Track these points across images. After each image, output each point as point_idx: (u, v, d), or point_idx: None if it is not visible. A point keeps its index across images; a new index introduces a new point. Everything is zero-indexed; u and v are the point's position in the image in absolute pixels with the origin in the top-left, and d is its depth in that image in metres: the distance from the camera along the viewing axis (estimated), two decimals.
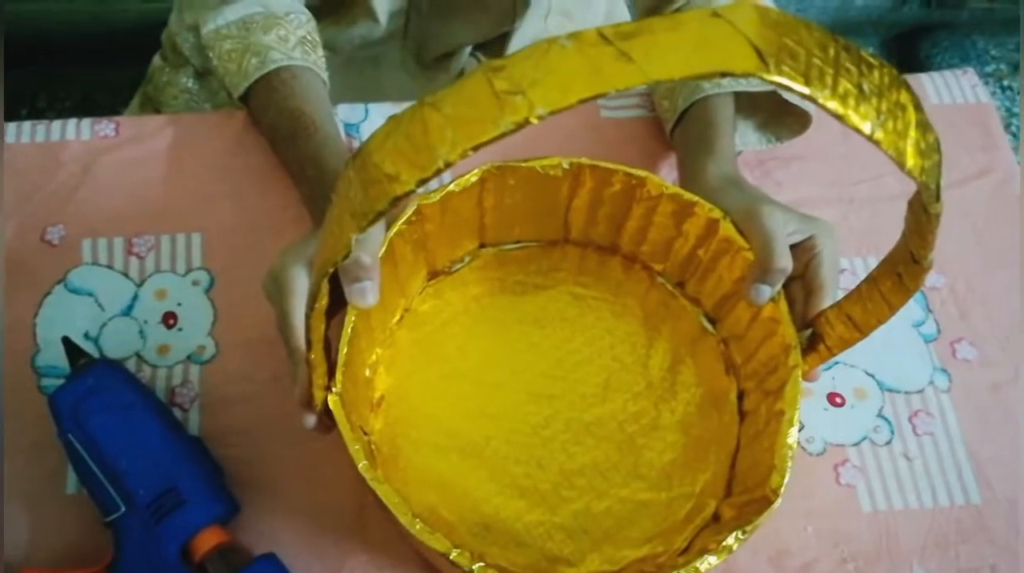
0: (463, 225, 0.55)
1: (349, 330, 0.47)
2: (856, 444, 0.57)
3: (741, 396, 0.56)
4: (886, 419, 0.58)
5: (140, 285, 0.58)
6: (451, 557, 0.41)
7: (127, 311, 0.57)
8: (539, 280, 0.59)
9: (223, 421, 0.55)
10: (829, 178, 0.65)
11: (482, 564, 0.41)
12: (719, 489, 0.53)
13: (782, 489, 0.45)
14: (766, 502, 0.45)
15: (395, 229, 0.49)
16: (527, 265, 0.59)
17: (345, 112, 0.65)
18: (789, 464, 0.46)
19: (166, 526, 0.48)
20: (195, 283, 0.58)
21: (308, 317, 0.39)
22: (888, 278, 0.43)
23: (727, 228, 0.51)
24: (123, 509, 0.48)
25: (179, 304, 0.58)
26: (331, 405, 0.45)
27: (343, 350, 0.46)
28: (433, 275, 0.58)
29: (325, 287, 0.39)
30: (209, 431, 0.54)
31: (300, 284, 0.46)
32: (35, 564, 0.50)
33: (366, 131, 0.64)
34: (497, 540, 0.51)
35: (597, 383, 0.56)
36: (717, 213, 0.52)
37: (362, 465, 0.43)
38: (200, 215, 0.60)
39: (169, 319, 0.57)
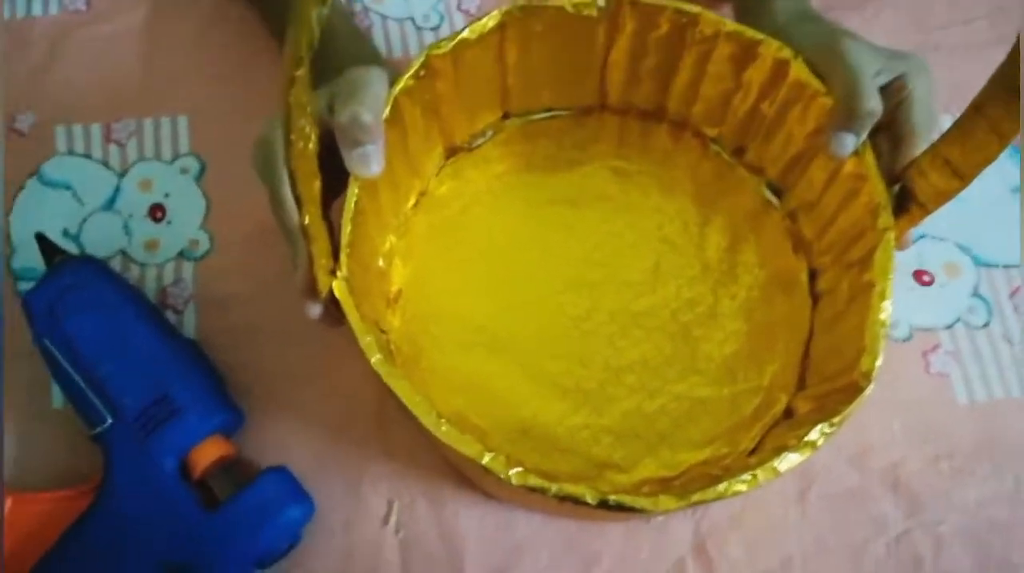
0: (482, 87, 0.47)
1: (352, 206, 0.40)
2: (948, 327, 0.49)
3: (813, 276, 0.48)
4: (983, 298, 0.50)
5: (122, 175, 0.51)
6: (483, 463, 0.35)
7: (109, 205, 0.51)
8: (573, 154, 0.51)
9: (222, 322, 0.48)
10: (911, 22, 0.56)
11: (520, 469, 0.35)
12: (790, 382, 0.46)
13: (874, 373, 0.38)
14: (854, 390, 0.38)
15: (400, 85, 0.41)
16: (559, 138, 0.51)
17: None
18: (882, 344, 0.38)
19: (159, 438, 0.42)
20: (184, 171, 0.51)
21: (288, 159, 0.32)
22: (997, 101, 0.34)
23: (799, 70, 0.43)
24: (110, 421, 0.42)
25: (167, 195, 0.51)
26: (336, 292, 0.38)
27: (347, 228, 0.39)
28: (451, 153, 0.51)
29: (305, 121, 0.31)
30: (207, 334, 0.48)
31: None
32: (20, 486, 0.45)
33: None
34: (536, 446, 0.45)
35: (645, 269, 0.48)
36: (787, 52, 0.43)
37: (375, 359, 0.37)
38: (185, 95, 0.53)
39: (156, 212, 0.51)
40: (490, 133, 0.51)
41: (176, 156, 0.52)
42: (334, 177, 0.39)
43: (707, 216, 0.50)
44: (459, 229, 0.49)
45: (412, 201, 0.49)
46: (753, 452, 0.44)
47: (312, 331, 0.43)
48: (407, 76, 0.41)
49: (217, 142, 0.52)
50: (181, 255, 0.50)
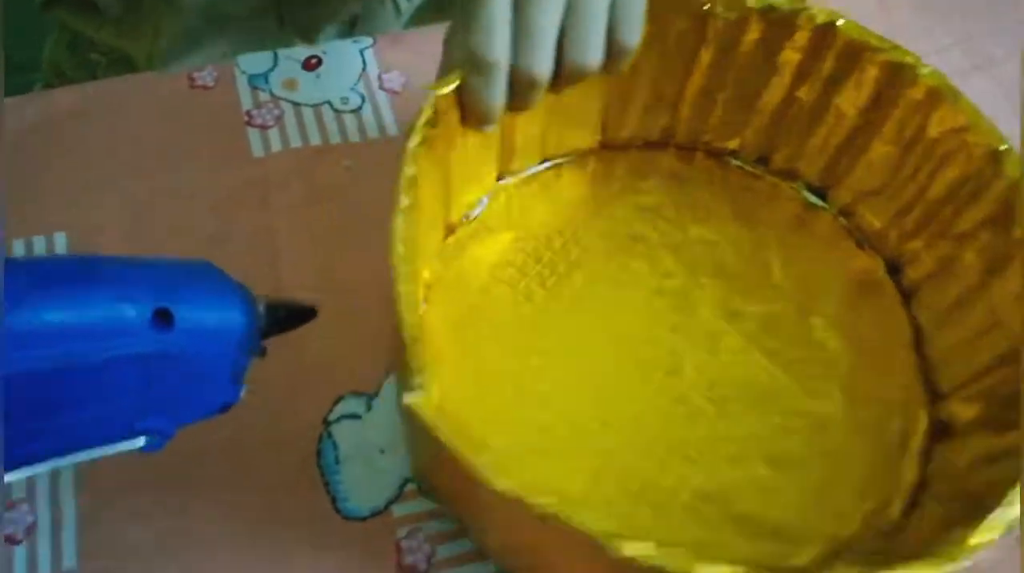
0: (486, 140, 0.39)
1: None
2: None
3: (895, 268, 0.42)
4: None
5: None
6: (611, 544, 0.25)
7: None
8: (588, 200, 0.44)
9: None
10: None
11: (660, 549, 0.25)
12: (918, 395, 0.39)
13: None
14: None
15: (418, 136, 0.32)
16: (562, 189, 0.44)
17: (248, 63, 0.48)
18: None
19: None
20: None
21: None
22: None
23: (849, 28, 0.37)
24: None
25: None
26: (422, 409, 0.27)
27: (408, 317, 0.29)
28: (449, 231, 0.42)
29: None
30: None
31: None
32: None
33: (276, 81, 0.48)
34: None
35: (716, 306, 0.41)
36: (828, 14, 0.38)
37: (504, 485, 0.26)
38: (62, 207, 0.43)
39: None
40: (485, 200, 0.43)
41: None
42: None
43: (758, 236, 0.43)
44: (481, 315, 0.40)
45: (421, 294, 0.40)
46: (920, 488, 0.36)
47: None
48: (421, 123, 0.32)
49: None
50: None
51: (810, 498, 0.36)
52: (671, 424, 0.38)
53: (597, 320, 0.40)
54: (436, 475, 0.33)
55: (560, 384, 0.38)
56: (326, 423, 0.39)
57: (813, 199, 0.44)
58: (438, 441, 0.27)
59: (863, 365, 0.39)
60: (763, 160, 0.45)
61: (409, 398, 0.27)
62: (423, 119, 0.32)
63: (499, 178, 0.43)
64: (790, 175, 0.44)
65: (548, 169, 0.44)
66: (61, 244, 0.41)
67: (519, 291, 0.41)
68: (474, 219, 0.42)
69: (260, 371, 0.37)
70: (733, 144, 0.44)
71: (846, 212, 0.43)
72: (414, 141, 0.32)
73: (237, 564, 0.35)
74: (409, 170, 0.31)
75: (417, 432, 0.29)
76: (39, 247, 0.41)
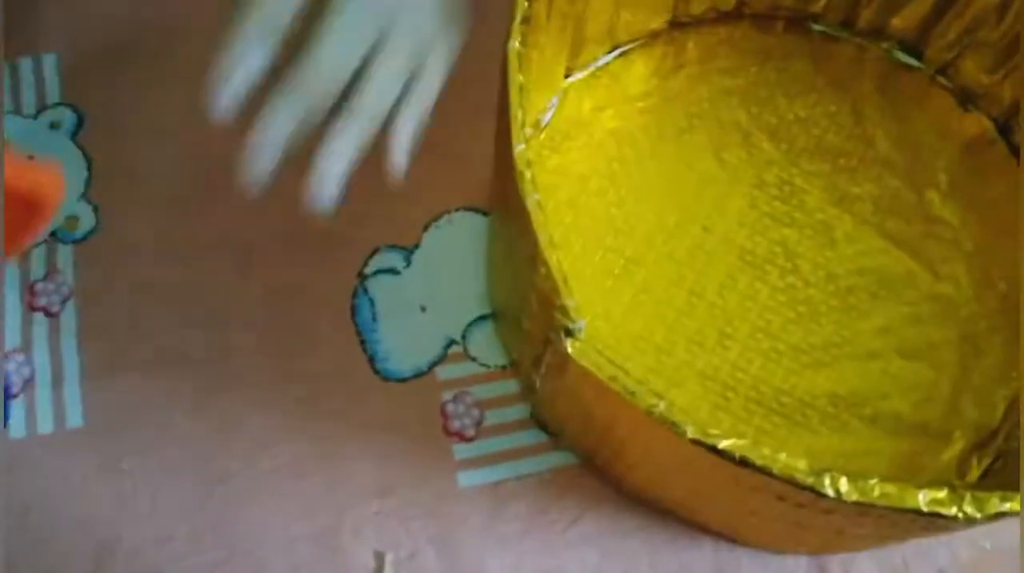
0: (557, 39, 0.35)
1: None
2: None
3: (1005, 129, 0.39)
4: None
5: None
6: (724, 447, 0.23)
7: None
8: (661, 81, 0.39)
9: (118, 321, 0.35)
10: None
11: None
12: None
13: None
14: None
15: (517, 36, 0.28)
16: (633, 80, 0.39)
17: None
18: None
19: None
20: (54, 126, 0.38)
21: None
22: None
23: None
24: None
25: (30, 158, 0.37)
26: (579, 355, 0.24)
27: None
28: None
29: None
30: (94, 344, 0.34)
31: None
32: None
33: None
34: None
35: (824, 191, 0.38)
36: None
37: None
38: (53, 26, 0.39)
39: None
40: (555, 101, 0.39)
41: (43, 108, 0.38)
42: None
43: (854, 106, 0.39)
44: (573, 228, 0.37)
45: None
46: None
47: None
48: (517, 21, 0.28)
49: (100, 84, 0.38)
50: (54, 237, 0.36)
51: (948, 389, 0.35)
52: (795, 327, 0.35)
53: (697, 223, 0.37)
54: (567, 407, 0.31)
55: (669, 299, 0.35)
56: (361, 277, 0.36)
57: (906, 59, 0.40)
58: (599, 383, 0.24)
59: (988, 239, 0.37)
60: (849, 23, 0.40)
61: (571, 347, 0.24)
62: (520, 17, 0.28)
63: (566, 75, 0.39)
64: (878, 35, 0.40)
65: (617, 58, 0.40)
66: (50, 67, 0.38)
67: (608, 201, 0.37)
68: (546, 127, 0.38)
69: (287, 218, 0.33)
70: (817, 5, 0.40)
71: (944, 70, 0.40)
72: (515, 42, 0.27)
73: (266, 427, 0.33)
74: (517, 78, 0.27)
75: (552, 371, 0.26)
76: (25, 71, 0.38)
